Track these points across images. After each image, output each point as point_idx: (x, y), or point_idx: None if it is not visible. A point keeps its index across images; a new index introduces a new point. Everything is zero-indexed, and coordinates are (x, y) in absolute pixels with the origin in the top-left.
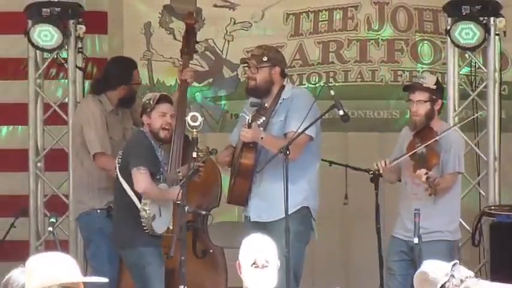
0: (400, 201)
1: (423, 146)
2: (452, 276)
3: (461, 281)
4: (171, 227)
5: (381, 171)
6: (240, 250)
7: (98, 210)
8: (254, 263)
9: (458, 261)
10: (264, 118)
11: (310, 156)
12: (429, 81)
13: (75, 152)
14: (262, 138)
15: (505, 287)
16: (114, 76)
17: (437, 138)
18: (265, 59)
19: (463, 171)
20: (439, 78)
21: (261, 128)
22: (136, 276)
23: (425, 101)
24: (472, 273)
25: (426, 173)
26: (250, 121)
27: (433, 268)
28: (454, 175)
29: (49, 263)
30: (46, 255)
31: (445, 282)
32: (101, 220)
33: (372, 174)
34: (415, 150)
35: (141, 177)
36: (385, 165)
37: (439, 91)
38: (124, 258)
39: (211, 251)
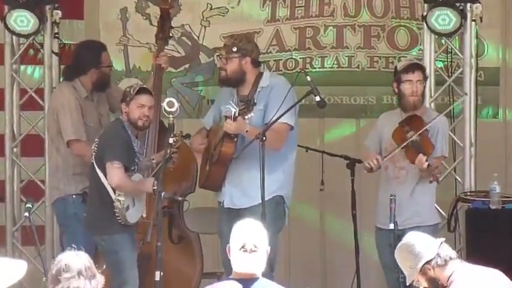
0: (381, 188)
1: (417, 134)
2: (439, 255)
3: (446, 261)
4: (144, 215)
5: (374, 169)
6: (231, 234)
7: (73, 196)
8: (243, 247)
9: (444, 240)
10: (252, 114)
11: (288, 146)
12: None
13: (51, 138)
14: (247, 131)
15: (487, 270)
16: (83, 60)
17: (427, 126)
18: (234, 49)
19: (447, 156)
20: None
21: (247, 122)
22: (110, 261)
23: (422, 81)
24: (455, 254)
25: (426, 160)
26: (236, 114)
27: (420, 242)
28: (440, 159)
29: None
30: None
31: (430, 260)
32: (76, 205)
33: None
34: (409, 140)
35: (115, 172)
36: (378, 162)
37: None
38: (97, 243)
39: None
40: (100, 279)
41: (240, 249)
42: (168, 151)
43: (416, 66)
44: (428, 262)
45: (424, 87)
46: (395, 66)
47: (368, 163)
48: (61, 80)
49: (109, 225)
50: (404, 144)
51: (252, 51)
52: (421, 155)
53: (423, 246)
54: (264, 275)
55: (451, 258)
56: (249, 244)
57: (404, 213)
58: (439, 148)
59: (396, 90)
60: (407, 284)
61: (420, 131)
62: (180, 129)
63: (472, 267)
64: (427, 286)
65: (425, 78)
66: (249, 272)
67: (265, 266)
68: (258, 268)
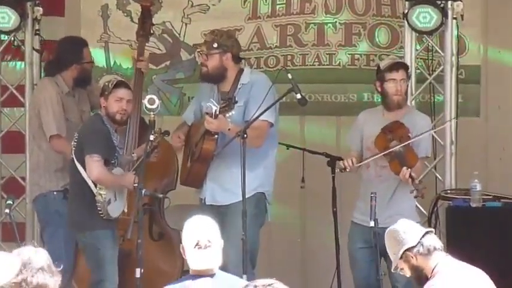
0: (361, 185)
1: (400, 146)
2: (421, 243)
3: (429, 251)
4: (126, 210)
5: (348, 170)
6: (182, 234)
7: (55, 192)
8: (197, 244)
9: (433, 230)
10: (233, 112)
11: (267, 143)
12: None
13: (33, 134)
14: (229, 129)
15: (471, 268)
16: (64, 56)
17: (412, 140)
18: (215, 45)
19: (430, 156)
20: None
21: (229, 120)
22: (90, 258)
23: (405, 80)
24: (441, 245)
25: (410, 175)
26: (217, 112)
27: (405, 229)
28: (424, 159)
29: None
30: None
31: (411, 247)
32: (57, 202)
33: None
34: (391, 150)
35: (94, 165)
36: (352, 164)
37: None
38: (78, 240)
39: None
40: (58, 278)
41: (195, 246)
42: (149, 148)
43: (400, 65)
44: (409, 249)
45: (407, 85)
46: (378, 65)
47: (343, 163)
48: (42, 76)
49: (91, 221)
50: (387, 152)
51: (232, 47)
52: (404, 168)
53: (408, 234)
54: (246, 272)
55: (435, 249)
56: (202, 240)
57: (386, 211)
58: (423, 149)
59: (379, 89)
60: (392, 270)
61: (404, 143)
62: (161, 126)
63: (456, 261)
64: (409, 273)
65: (408, 76)
66: (207, 268)
67: (248, 263)
68: (215, 263)
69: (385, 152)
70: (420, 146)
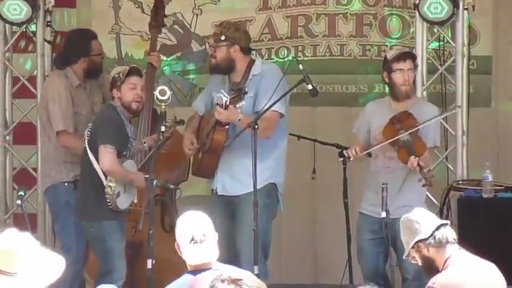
0: (369, 176)
1: (407, 133)
2: (434, 236)
3: (441, 243)
4: (135, 201)
5: (351, 159)
6: (176, 231)
7: (65, 184)
8: (192, 239)
9: (448, 222)
10: (243, 102)
11: (278, 133)
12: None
13: (43, 126)
14: (239, 120)
15: (484, 263)
16: (73, 49)
17: (420, 126)
18: (222, 38)
19: (439, 146)
20: None
21: (239, 111)
22: (97, 248)
23: (413, 69)
24: (455, 238)
25: (418, 164)
26: (228, 103)
27: (420, 219)
28: (432, 149)
29: None
30: None
31: (424, 238)
32: (67, 193)
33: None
34: (398, 138)
35: (107, 156)
36: (356, 153)
37: None
38: (85, 229)
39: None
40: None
41: (190, 241)
42: (160, 138)
43: (408, 55)
44: (422, 241)
45: (415, 75)
46: (385, 56)
47: (347, 152)
48: (53, 68)
49: (99, 212)
50: (394, 139)
51: (240, 39)
52: (412, 157)
53: (421, 225)
54: (258, 263)
55: (447, 242)
56: (197, 235)
57: (395, 202)
58: (431, 138)
59: (387, 79)
60: (404, 257)
61: (411, 130)
62: (173, 117)
63: (469, 255)
64: (420, 262)
65: (415, 66)
66: (204, 262)
67: (260, 254)
68: (212, 256)
69: (392, 140)
70: (428, 135)
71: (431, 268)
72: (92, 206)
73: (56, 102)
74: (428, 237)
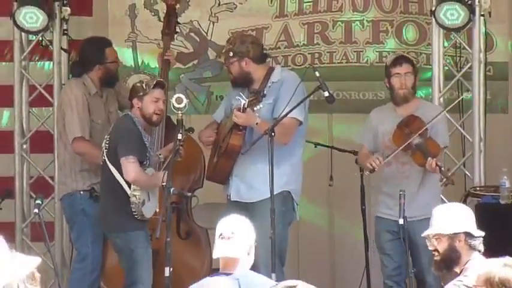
0: (383, 181)
1: (418, 134)
2: (475, 238)
3: (475, 248)
4: (158, 210)
5: (376, 169)
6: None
7: (81, 192)
8: (221, 235)
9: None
10: (261, 105)
11: (294, 141)
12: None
13: (59, 134)
14: (257, 123)
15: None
16: (86, 57)
17: (428, 125)
18: (231, 54)
19: (448, 145)
20: (424, 60)
21: (257, 114)
22: (124, 259)
23: (411, 73)
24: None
25: (437, 164)
26: (245, 106)
27: (467, 215)
28: (443, 150)
29: None
30: None
31: (472, 234)
32: (83, 201)
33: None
34: (410, 142)
35: (131, 167)
36: (380, 162)
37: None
38: (112, 242)
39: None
40: None
41: (219, 237)
42: (176, 147)
43: (404, 59)
44: (469, 234)
45: (415, 79)
46: (385, 62)
47: (370, 163)
48: (70, 77)
49: (124, 223)
50: (407, 144)
51: (248, 52)
52: (429, 158)
53: (468, 221)
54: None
55: (476, 249)
56: (226, 232)
57: (413, 205)
58: (441, 139)
59: (387, 85)
60: (422, 235)
61: (421, 131)
62: (189, 125)
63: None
64: (442, 250)
65: (415, 70)
66: (229, 257)
67: (277, 262)
68: (237, 252)
69: (405, 145)
70: (438, 137)
71: (451, 260)
72: (117, 217)
73: (74, 108)
74: (474, 235)
